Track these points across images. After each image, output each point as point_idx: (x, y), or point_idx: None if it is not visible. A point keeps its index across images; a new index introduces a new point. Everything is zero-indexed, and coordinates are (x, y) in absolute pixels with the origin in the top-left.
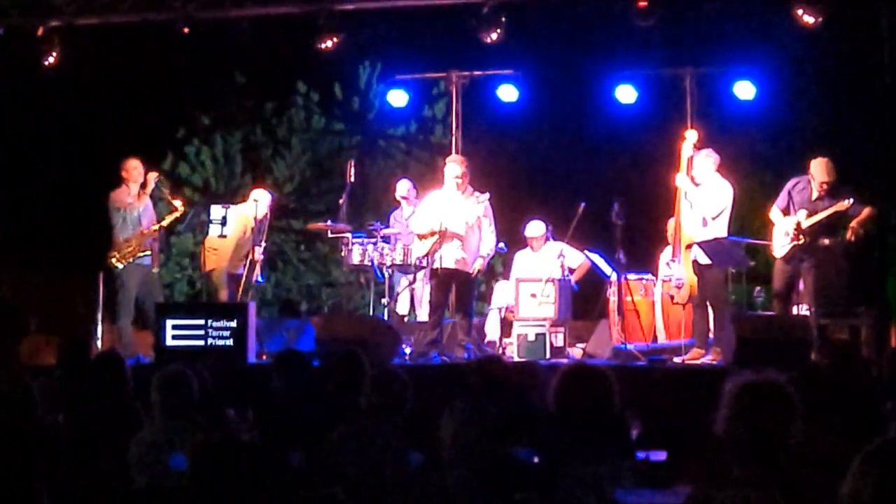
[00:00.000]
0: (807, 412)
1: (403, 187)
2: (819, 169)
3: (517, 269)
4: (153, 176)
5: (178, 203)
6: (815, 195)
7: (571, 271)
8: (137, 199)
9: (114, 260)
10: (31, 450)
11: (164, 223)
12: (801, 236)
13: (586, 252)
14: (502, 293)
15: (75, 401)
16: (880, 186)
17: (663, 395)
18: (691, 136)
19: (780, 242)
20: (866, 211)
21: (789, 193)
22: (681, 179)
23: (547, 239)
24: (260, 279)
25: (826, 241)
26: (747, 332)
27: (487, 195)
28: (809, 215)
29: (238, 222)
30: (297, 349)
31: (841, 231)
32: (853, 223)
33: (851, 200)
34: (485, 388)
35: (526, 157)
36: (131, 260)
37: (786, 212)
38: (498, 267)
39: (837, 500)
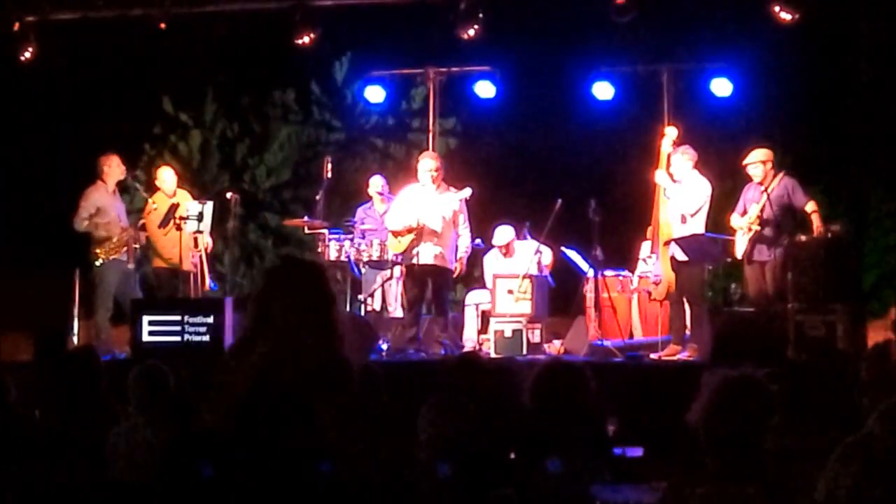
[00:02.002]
0: (784, 408)
1: (377, 183)
2: (750, 172)
3: (489, 271)
4: (128, 173)
5: (153, 200)
6: (759, 190)
7: (548, 268)
8: (113, 196)
9: (98, 256)
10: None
11: (144, 220)
12: (751, 227)
13: (563, 248)
14: (477, 294)
15: (51, 396)
16: (857, 182)
17: (640, 392)
18: (671, 132)
19: (740, 243)
20: (813, 205)
21: (743, 198)
22: (660, 176)
23: (523, 237)
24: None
25: (801, 237)
26: (724, 328)
27: (469, 190)
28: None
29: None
30: None
31: (806, 226)
32: (818, 224)
33: (783, 173)
34: (462, 385)
35: (503, 154)
36: (114, 256)
37: (742, 216)
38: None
39: (815, 494)
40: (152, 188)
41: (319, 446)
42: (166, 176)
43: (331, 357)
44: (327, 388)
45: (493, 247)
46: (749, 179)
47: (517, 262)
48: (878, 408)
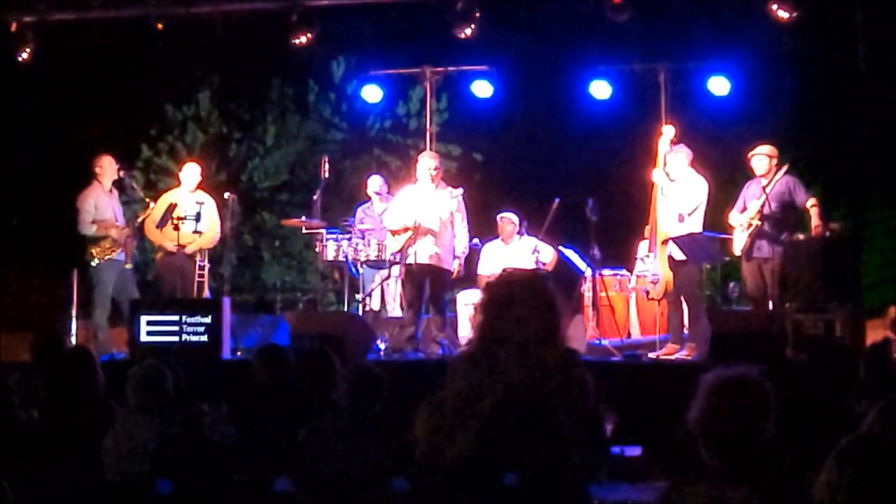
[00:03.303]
0: (781, 407)
1: (375, 183)
2: (753, 165)
3: (488, 262)
4: (125, 173)
5: (150, 200)
6: (760, 186)
7: (545, 266)
8: (110, 196)
9: (94, 255)
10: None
11: (140, 219)
12: (751, 223)
13: (561, 248)
14: (471, 293)
15: (48, 396)
16: (855, 179)
17: (638, 391)
18: (668, 131)
19: (738, 239)
20: (813, 201)
21: (742, 195)
22: (657, 175)
23: (521, 234)
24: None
25: (800, 236)
26: (722, 327)
27: (461, 190)
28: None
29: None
30: (276, 343)
31: (805, 225)
32: (817, 222)
33: (786, 166)
34: None
35: (500, 153)
36: (110, 256)
37: (742, 213)
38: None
39: (812, 494)
40: (153, 187)
41: (564, 460)
42: (190, 172)
43: (565, 369)
44: (566, 400)
45: (494, 237)
46: (751, 173)
47: (515, 258)
48: (876, 406)
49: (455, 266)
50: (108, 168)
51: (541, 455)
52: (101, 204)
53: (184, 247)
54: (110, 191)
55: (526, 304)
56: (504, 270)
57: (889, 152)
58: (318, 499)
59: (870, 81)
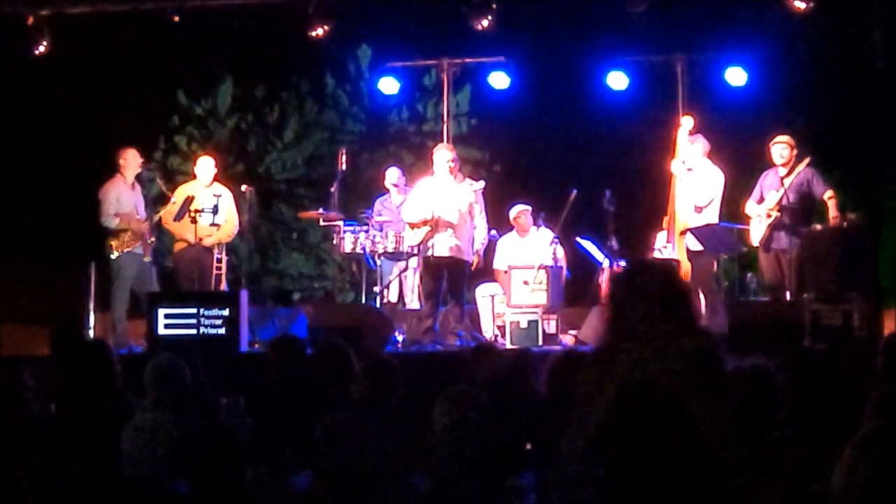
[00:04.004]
0: (799, 397)
1: (393, 175)
2: (774, 153)
3: (504, 255)
4: (146, 165)
5: (170, 193)
6: (779, 176)
7: (564, 259)
8: (132, 189)
9: (113, 248)
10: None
11: (162, 213)
12: (770, 213)
13: (578, 239)
14: (489, 287)
15: (66, 390)
16: (871, 171)
17: None
18: (687, 122)
19: (756, 230)
20: (830, 193)
21: (760, 185)
22: (676, 166)
23: (538, 226)
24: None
25: (817, 227)
26: (740, 318)
27: (482, 183)
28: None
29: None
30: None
31: (823, 216)
32: (834, 213)
33: (808, 159)
34: (478, 376)
35: (517, 145)
36: (129, 249)
37: (759, 203)
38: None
39: (830, 484)
40: (170, 180)
41: (699, 454)
42: (205, 165)
43: (702, 358)
44: (702, 391)
45: (511, 229)
46: (770, 162)
47: (532, 250)
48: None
49: (474, 259)
50: (132, 161)
51: (672, 455)
52: (123, 197)
53: (202, 239)
54: (133, 184)
55: (659, 294)
56: (631, 260)
57: None
58: (337, 493)
59: (886, 71)
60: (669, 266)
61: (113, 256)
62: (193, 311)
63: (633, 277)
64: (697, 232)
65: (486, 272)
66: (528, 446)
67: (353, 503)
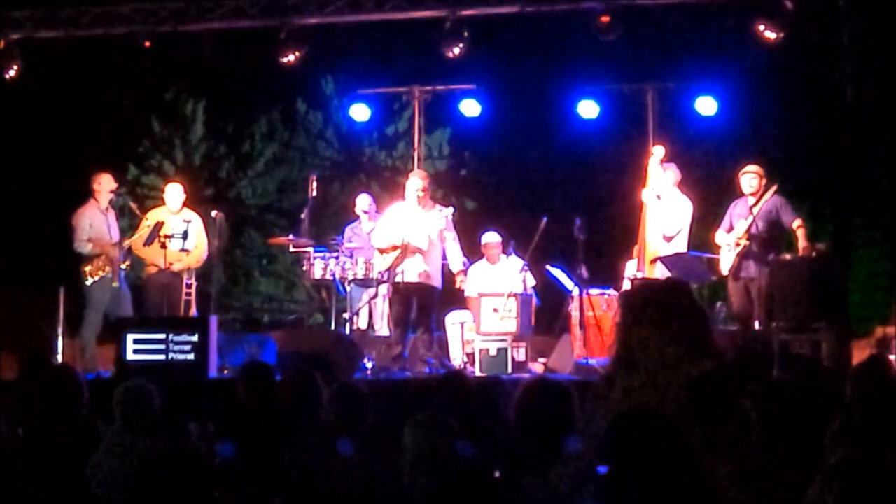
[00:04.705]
0: (767, 427)
1: (364, 202)
2: (743, 183)
3: (474, 283)
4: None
5: (144, 217)
6: (748, 205)
7: (534, 287)
8: (105, 214)
9: (86, 275)
10: None
11: (136, 237)
12: (739, 242)
13: (548, 267)
14: (459, 314)
15: (33, 415)
16: (841, 201)
17: None
18: (658, 151)
19: (726, 259)
20: (799, 222)
21: (730, 214)
22: (646, 194)
23: (508, 254)
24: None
25: (786, 256)
26: None
27: (452, 209)
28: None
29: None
30: (262, 360)
31: (792, 245)
32: (803, 243)
33: (775, 186)
34: (447, 403)
35: (488, 172)
36: (102, 274)
37: (729, 231)
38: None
39: None
40: (141, 205)
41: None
42: (173, 192)
43: (711, 385)
44: (710, 420)
45: (481, 257)
46: (739, 191)
47: (503, 278)
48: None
49: (459, 280)
50: (105, 185)
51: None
52: (96, 222)
53: (171, 265)
54: (106, 209)
55: (655, 317)
56: (639, 279)
57: (874, 175)
58: None
59: (855, 103)
60: (668, 286)
61: (87, 283)
62: (162, 336)
63: (627, 301)
64: (667, 261)
65: (456, 299)
66: (497, 474)
67: None
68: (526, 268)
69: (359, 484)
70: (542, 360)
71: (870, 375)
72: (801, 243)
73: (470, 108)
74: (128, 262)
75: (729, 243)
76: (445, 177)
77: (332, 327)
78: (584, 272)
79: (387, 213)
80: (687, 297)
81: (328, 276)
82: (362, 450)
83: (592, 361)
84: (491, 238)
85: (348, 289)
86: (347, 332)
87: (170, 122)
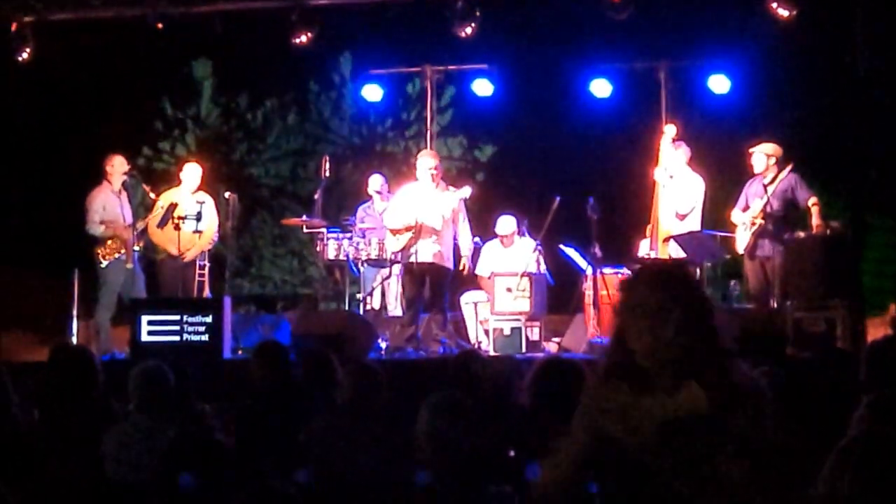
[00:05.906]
0: (783, 406)
1: (376, 182)
2: (752, 162)
3: (487, 262)
4: (130, 171)
5: (157, 199)
6: (762, 185)
7: (547, 267)
8: (118, 196)
9: (100, 257)
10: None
11: (149, 219)
12: (755, 221)
13: (562, 246)
14: (474, 294)
15: (48, 396)
16: (854, 178)
17: None
18: (670, 130)
19: (742, 238)
20: (814, 199)
21: (745, 193)
22: (659, 173)
23: (521, 234)
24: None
25: (800, 234)
26: (724, 325)
27: (469, 189)
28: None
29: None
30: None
31: (807, 223)
32: (817, 220)
33: (791, 165)
34: (462, 382)
35: (500, 152)
36: (116, 256)
37: (745, 210)
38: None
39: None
40: (155, 185)
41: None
42: (191, 172)
43: (722, 383)
44: (720, 421)
45: (494, 236)
46: (750, 170)
47: (516, 257)
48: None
49: (464, 264)
50: (118, 167)
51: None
52: (109, 204)
53: (184, 255)
54: (119, 191)
55: (674, 303)
56: (643, 262)
57: (888, 152)
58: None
59: (868, 79)
60: (684, 264)
61: (102, 265)
62: (177, 317)
63: (625, 293)
64: (680, 239)
65: (470, 279)
66: (511, 453)
67: None
68: (539, 247)
69: (373, 463)
70: (556, 339)
71: (885, 353)
72: (815, 220)
73: (482, 87)
74: (141, 244)
75: (745, 222)
76: (458, 157)
77: (346, 308)
78: (598, 251)
79: (399, 193)
80: (686, 285)
81: (341, 257)
82: (377, 428)
83: (606, 340)
84: (505, 227)
85: (362, 269)
86: (361, 312)
87: (181, 104)
